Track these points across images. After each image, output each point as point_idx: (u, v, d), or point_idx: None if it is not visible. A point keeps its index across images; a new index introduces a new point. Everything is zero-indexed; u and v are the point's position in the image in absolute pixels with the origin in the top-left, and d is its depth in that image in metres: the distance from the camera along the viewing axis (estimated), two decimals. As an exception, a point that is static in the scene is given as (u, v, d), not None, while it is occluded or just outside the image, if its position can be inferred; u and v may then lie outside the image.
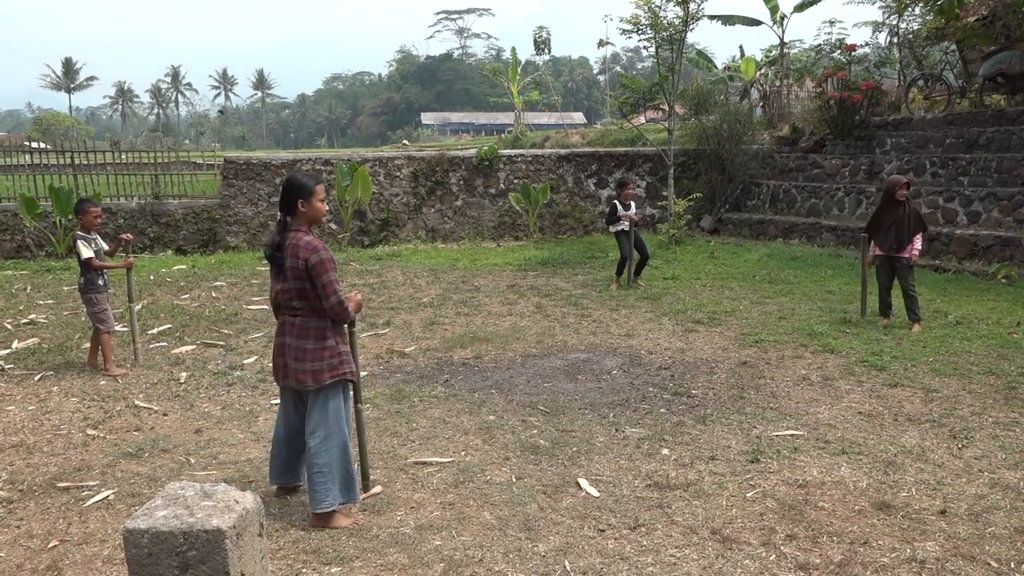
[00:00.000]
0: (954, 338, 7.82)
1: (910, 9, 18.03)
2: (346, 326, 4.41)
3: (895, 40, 19.68)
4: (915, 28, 18.85)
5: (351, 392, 4.44)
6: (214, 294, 10.73)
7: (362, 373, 6.53)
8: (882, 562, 3.70)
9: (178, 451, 5.28)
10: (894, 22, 19.48)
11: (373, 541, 4.00)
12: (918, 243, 8.37)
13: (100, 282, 7.25)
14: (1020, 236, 11.11)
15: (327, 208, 4.45)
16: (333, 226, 15.58)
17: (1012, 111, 14.10)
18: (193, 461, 5.11)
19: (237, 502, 3.13)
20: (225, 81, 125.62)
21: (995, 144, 13.32)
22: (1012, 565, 3.65)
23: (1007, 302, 9.29)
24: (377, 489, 4.58)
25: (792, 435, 5.35)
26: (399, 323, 8.97)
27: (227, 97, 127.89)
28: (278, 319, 4.36)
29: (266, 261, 4.34)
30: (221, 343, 8.16)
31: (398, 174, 16.22)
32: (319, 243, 4.17)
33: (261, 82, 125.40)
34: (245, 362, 7.45)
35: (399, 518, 4.25)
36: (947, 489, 4.46)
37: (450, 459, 5.03)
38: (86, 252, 7.10)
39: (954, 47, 16.77)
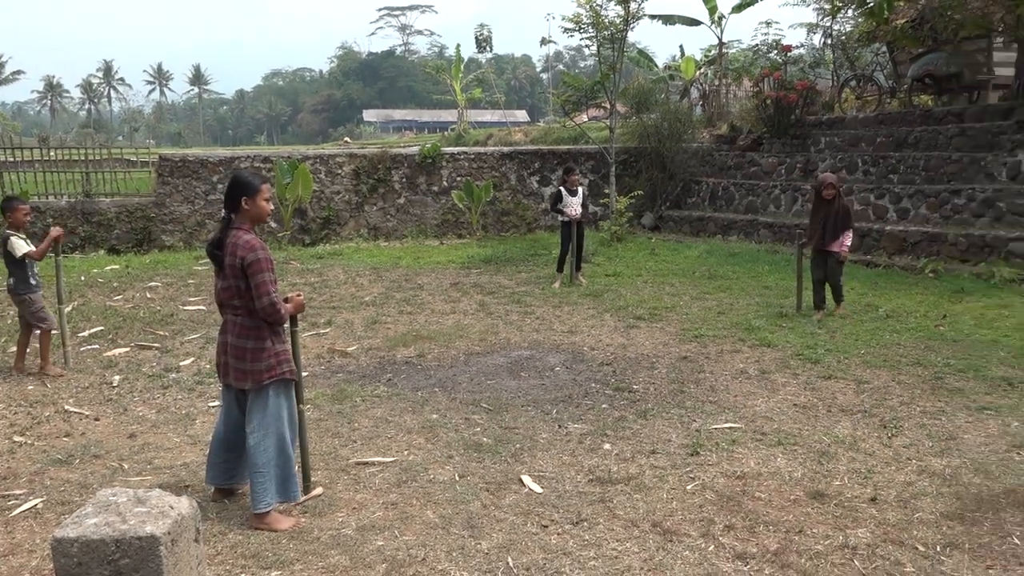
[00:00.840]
0: (884, 331, 8.07)
1: (843, 11, 18.51)
2: (288, 325, 4.37)
3: (829, 41, 20.17)
4: (848, 30, 19.35)
5: (293, 391, 4.37)
6: (149, 295, 10.46)
7: (303, 373, 6.44)
8: (816, 549, 3.80)
9: (111, 457, 5.13)
10: (828, 24, 19.97)
11: (314, 543, 3.95)
12: (847, 240, 8.69)
13: (32, 281, 7.00)
14: (946, 232, 11.51)
15: (272, 208, 4.39)
16: (273, 224, 15.32)
17: (939, 111, 14.61)
18: (127, 467, 4.97)
19: (172, 507, 3.06)
20: (160, 76, 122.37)
21: (923, 143, 13.78)
22: (938, 548, 3.79)
23: (934, 296, 9.62)
24: (318, 491, 4.52)
25: (730, 428, 5.46)
26: (341, 322, 8.87)
27: (162, 93, 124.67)
28: (222, 317, 4.31)
29: (208, 259, 4.27)
30: (156, 345, 7.96)
31: (339, 172, 16.04)
32: (258, 242, 4.12)
33: (198, 78, 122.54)
34: (181, 364, 7.29)
35: (341, 519, 4.21)
36: (877, 477, 4.60)
37: (392, 459, 5.00)
38: (23, 247, 6.86)
39: (884, 49, 17.30)
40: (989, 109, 13.71)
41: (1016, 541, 3.83)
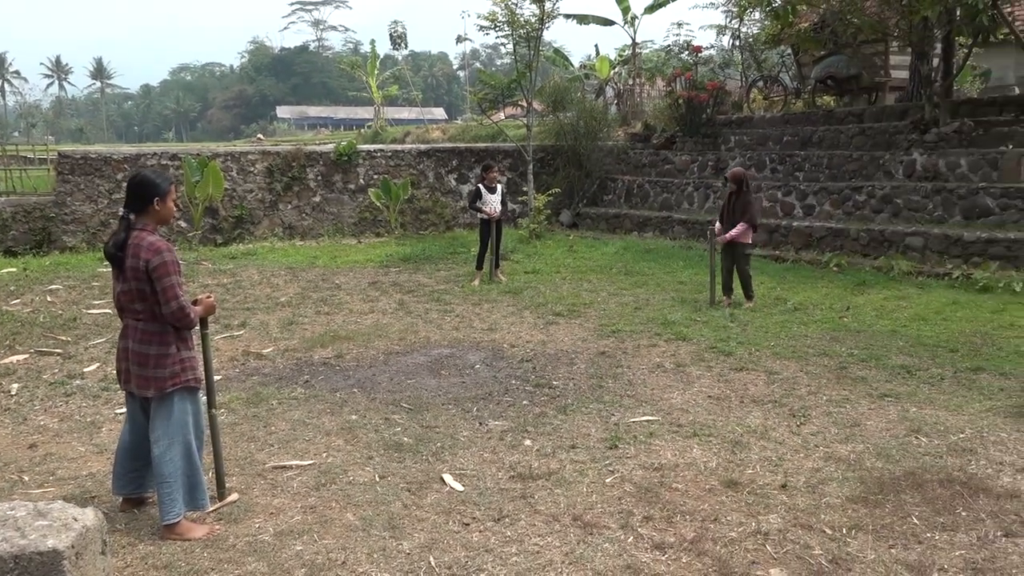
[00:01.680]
0: (793, 323, 8.37)
1: (749, 14, 19.10)
2: (199, 328, 4.23)
3: (737, 43, 20.81)
4: (754, 33, 20.00)
5: (201, 397, 4.24)
6: (49, 298, 9.97)
7: (216, 377, 6.26)
8: (730, 536, 3.91)
9: (9, 469, 4.88)
10: (736, 26, 20.60)
11: (230, 551, 3.84)
12: (735, 230, 9.11)
13: None
14: (849, 227, 12.02)
15: (176, 210, 4.24)
16: (183, 224, 14.84)
17: (840, 111, 15.24)
18: (27, 479, 4.73)
19: (76, 519, 2.93)
20: (59, 70, 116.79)
21: (826, 142, 14.35)
22: (844, 531, 3.95)
23: (839, 288, 10.03)
24: (233, 497, 4.40)
25: (648, 420, 5.57)
26: (255, 324, 8.66)
27: (61, 87, 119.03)
28: (122, 321, 4.13)
29: (107, 261, 4.09)
30: (58, 351, 7.61)
31: (252, 169, 15.65)
32: (163, 244, 3.97)
33: (100, 71, 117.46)
34: (85, 370, 6.98)
35: (258, 525, 4.11)
36: (787, 464, 4.77)
37: (311, 461, 4.91)
38: None
39: (789, 51, 17.93)
40: (887, 110, 14.39)
41: (915, 521, 4.03)
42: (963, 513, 4.10)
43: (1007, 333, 7.69)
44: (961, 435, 5.16)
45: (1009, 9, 13.56)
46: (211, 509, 4.25)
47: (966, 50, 13.26)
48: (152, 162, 14.92)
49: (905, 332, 7.87)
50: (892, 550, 3.76)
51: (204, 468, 4.24)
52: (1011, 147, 11.57)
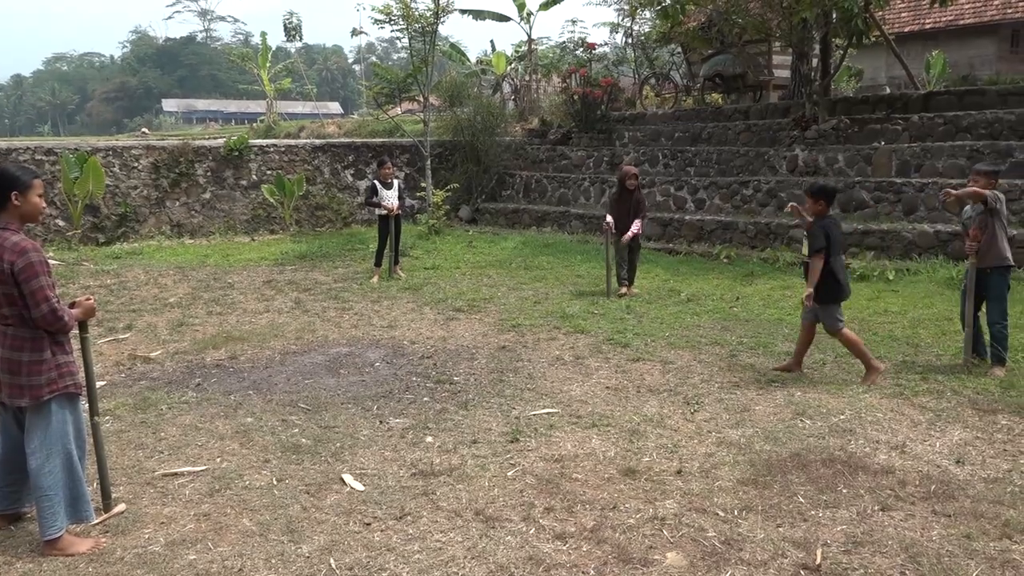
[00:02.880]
0: (686, 314, 8.63)
1: (640, 13, 19.56)
2: (77, 331, 4.01)
3: (629, 41, 21.28)
4: (646, 31, 20.49)
5: (80, 404, 4.00)
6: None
7: (100, 383, 5.98)
8: (629, 523, 4.00)
9: None
10: (628, 24, 21.05)
11: (117, 564, 3.67)
12: (635, 226, 9.59)
13: None
14: (738, 221, 12.49)
15: (45, 205, 3.98)
16: (60, 223, 14.05)
17: (728, 108, 15.81)
18: None
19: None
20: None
21: (715, 138, 14.85)
22: (736, 512, 4.11)
23: (729, 279, 10.41)
24: (120, 507, 4.21)
25: (548, 413, 5.63)
26: (142, 326, 8.30)
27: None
28: None
29: None
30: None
31: (136, 165, 14.95)
32: (29, 244, 3.72)
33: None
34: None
35: (147, 536, 3.94)
36: (682, 451, 4.92)
37: (204, 467, 4.75)
38: None
39: (679, 49, 18.48)
40: (770, 107, 15.02)
41: (801, 500, 4.23)
42: (844, 490, 4.33)
43: (881, 319, 8.16)
44: (841, 416, 5.45)
45: (881, 13, 14.38)
46: (96, 521, 4.05)
47: (842, 51, 14.00)
48: (24, 157, 14.04)
49: (791, 320, 8.23)
50: (780, 528, 3.93)
51: (88, 479, 4.03)
52: (883, 143, 12.28)
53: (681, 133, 15.46)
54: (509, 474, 4.61)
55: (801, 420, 5.41)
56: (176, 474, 4.66)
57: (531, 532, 3.93)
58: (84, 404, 4.09)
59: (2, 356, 3.78)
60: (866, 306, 8.70)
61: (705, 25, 15.80)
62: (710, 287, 10.00)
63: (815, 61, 14.08)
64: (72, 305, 3.98)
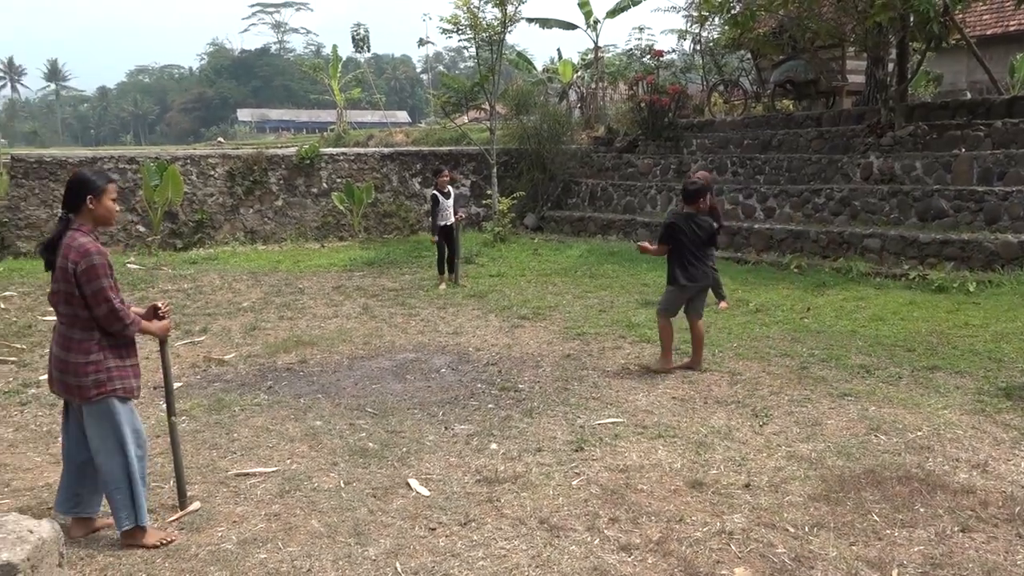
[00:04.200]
0: (754, 324, 8.47)
1: (710, 19, 19.33)
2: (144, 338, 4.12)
3: (698, 48, 21.04)
4: (715, 37, 20.24)
5: (132, 408, 4.02)
6: (3, 305, 9.73)
7: (177, 384, 6.17)
8: (695, 536, 3.94)
9: (-38, 481, 4.75)
10: (696, 31, 20.82)
11: (192, 561, 3.78)
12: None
13: None
14: (809, 229, 12.21)
15: (119, 210, 4.12)
16: (142, 229, 14.60)
17: (799, 115, 15.49)
18: (-20, 490, 4.62)
19: (31, 532, 2.86)
20: (11, 71, 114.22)
21: (786, 145, 14.56)
22: (807, 529, 4.01)
23: (799, 290, 10.18)
24: (195, 505, 4.33)
25: (613, 423, 5.59)
26: (217, 329, 8.54)
27: (14, 89, 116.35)
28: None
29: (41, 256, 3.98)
30: (13, 359, 7.43)
31: (212, 173, 15.44)
32: (93, 246, 3.80)
33: (55, 73, 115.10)
34: (41, 379, 6.80)
35: (220, 534, 4.05)
36: (751, 464, 4.83)
37: (274, 468, 4.86)
38: None
39: (749, 55, 18.18)
40: (844, 114, 14.65)
41: (875, 518, 4.10)
42: (921, 509, 4.19)
43: (962, 332, 7.87)
44: (919, 433, 5.27)
45: (961, 16, 13.90)
46: (172, 518, 4.18)
47: (920, 55, 13.57)
48: (109, 166, 14.65)
49: (864, 332, 8.00)
50: (853, 547, 3.82)
51: (164, 477, 4.16)
52: (964, 150, 11.84)
53: (750, 140, 15.20)
54: (574, 483, 4.59)
55: (876, 436, 5.25)
56: (248, 474, 4.78)
57: (596, 542, 3.91)
58: (160, 406, 4.23)
59: (55, 354, 3.90)
60: (945, 319, 8.40)
61: (776, 31, 15.51)
62: (779, 297, 9.80)
63: (891, 66, 13.68)
64: (153, 310, 4.12)
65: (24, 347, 7.86)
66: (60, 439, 4.19)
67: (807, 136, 14.28)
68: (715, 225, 7.17)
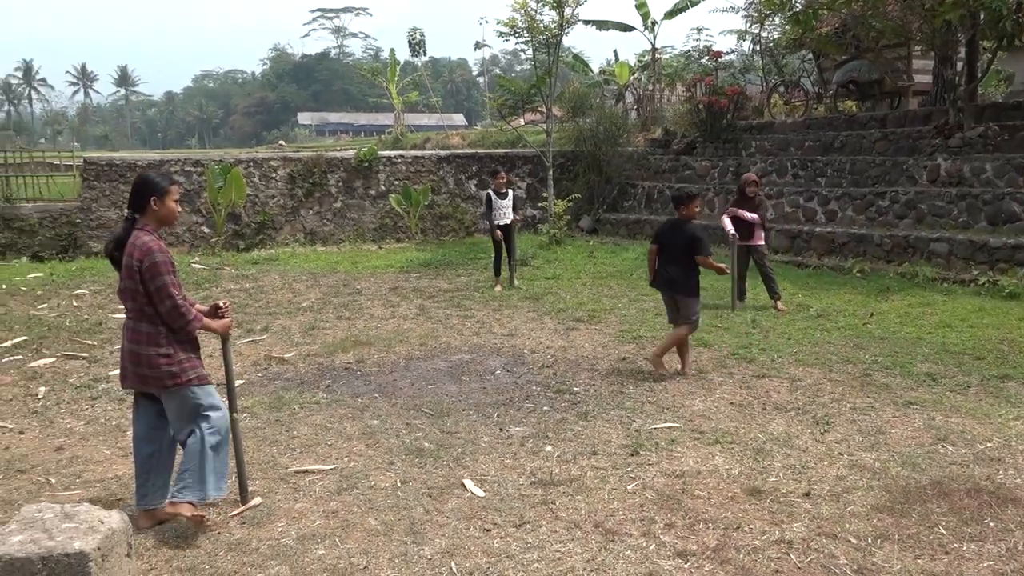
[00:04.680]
0: (815, 330, 8.30)
1: (770, 19, 19.02)
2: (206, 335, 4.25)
3: (757, 48, 20.71)
4: (775, 37, 19.89)
5: (213, 394, 4.19)
6: (75, 303, 10.10)
7: (238, 381, 6.31)
8: (753, 545, 3.88)
9: (36, 471, 4.94)
10: (756, 31, 20.50)
11: (253, 555, 3.87)
12: (759, 235, 9.41)
13: None
14: (872, 233, 11.92)
15: (179, 212, 4.27)
16: (206, 230, 14.99)
17: (863, 116, 15.13)
18: (54, 481, 4.79)
19: (102, 522, 2.96)
20: (84, 77, 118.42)
21: (848, 147, 14.24)
22: (870, 540, 3.91)
23: (862, 295, 9.94)
24: (256, 500, 4.43)
25: (669, 427, 5.54)
26: (277, 328, 8.71)
27: (87, 94, 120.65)
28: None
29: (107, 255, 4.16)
30: (84, 355, 7.70)
31: (274, 175, 15.77)
32: (156, 244, 3.97)
33: (124, 79, 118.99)
34: (111, 374, 7.05)
35: (280, 529, 4.13)
36: (811, 472, 4.73)
37: (333, 466, 4.93)
38: None
39: (811, 56, 17.84)
40: (909, 114, 14.26)
41: (942, 531, 3.98)
42: (991, 523, 4.05)
43: (1034, 340, 7.59)
44: (988, 444, 5.10)
45: (1035, 13, 13.40)
46: (234, 513, 4.28)
47: (990, 54, 13.14)
48: (175, 168, 15.08)
49: (930, 339, 7.78)
50: (919, 560, 3.71)
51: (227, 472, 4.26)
52: (1037, 152, 11.42)
53: (812, 142, 14.90)
54: (629, 487, 4.56)
55: (943, 446, 5.10)
56: (307, 471, 4.86)
57: (651, 548, 3.87)
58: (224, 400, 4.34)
59: (126, 348, 4.06)
60: (1017, 326, 8.11)
61: (839, 30, 15.18)
62: (841, 302, 9.58)
63: (960, 65, 13.28)
64: (214, 309, 4.24)
65: (95, 343, 8.14)
66: (130, 433, 4.32)
67: (871, 137, 13.94)
68: (696, 238, 6.72)
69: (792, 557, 3.76)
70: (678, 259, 6.78)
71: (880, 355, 7.26)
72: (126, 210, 4.14)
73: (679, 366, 6.94)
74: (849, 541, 3.90)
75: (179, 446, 4.16)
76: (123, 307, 4.13)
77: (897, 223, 12.15)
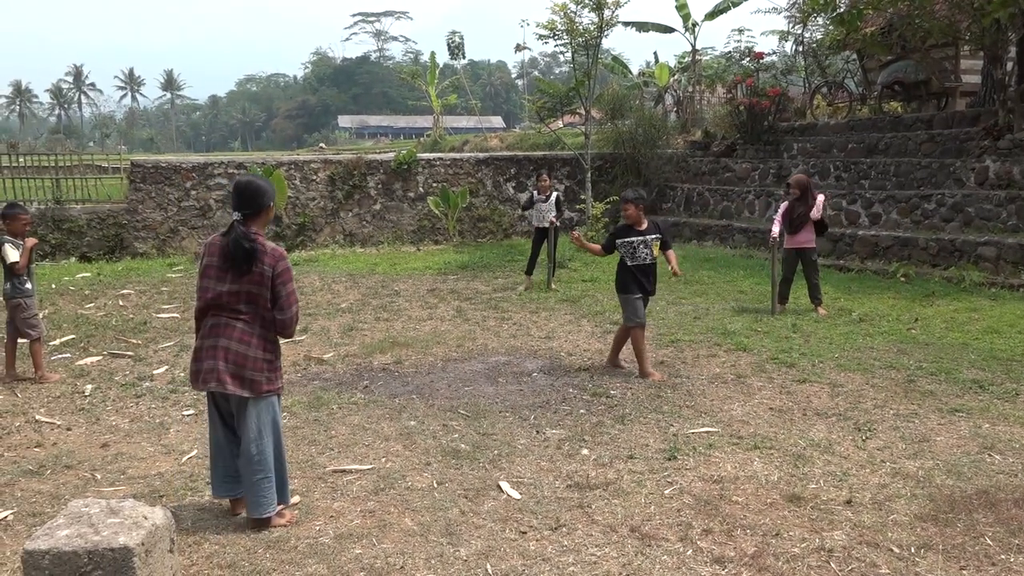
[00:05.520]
0: (857, 335, 8.16)
1: (813, 19, 18.75)
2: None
3: (800, 49, 20.42)
4: (818, 38, 19.61)
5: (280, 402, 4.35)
6: (121, 303, 10.33)
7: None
8: (793, 552, 3.83)
9: (83, 467, 5.06)
10: (799, 32, 20.22)
11: (291, 552, 3.91)
12: (801, 236, 9.25)
13: (28, 286, 6.95)
14: (917, 236, 11.68)
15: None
16: (247, 231, 15.21)
17: (908, 118, 14.83)
18: (99, 477, 4.90)
19: (146, 518, 3.02)
20: (132, 82, 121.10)
21: (893, 149, 13.98)
22: (912, 550, 3.83)
23: (906, 299, 9.75)
24: (295, 499, 4.48)
25: (707, 432, 5.49)
26: (317, 329, 8.81)
27: (134, 98, 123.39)
28: (205, 321, 4.12)
29: (228, 258, 4.03)
30: (129, 353, 7.86)
31: (314, 178, 15.96)
32: (283, 251, 4.15)
33: (170, 83, 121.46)
34: (155, 372, 7.20)
35: (318, 528, 4.18)
36: (852, 480, 4.65)
37: (370, 466, 4.97)
38: (13, 255, 6.81)
39: (855, 56, 17.55)
40: (957, 116, 13.95)
41: (989, 542, 3.89)
42: (1040, 534, 3.94)
43: (1087, 347, 7.37)
44: (1037, 453, 4.96)
45: (1089, 10, 13.03)
46: (287, 506, 4.35)
47: (1043, 53, 12.79)
48: (219, 171, 15.34)
49: (977, 345, 7.60)
50: (964, 572, 3.63)
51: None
52: (1091, 154, 11.11)
53: (855, 144, 14.66)
54: (666, 492, 4.53)
55: (989, 454, 4.98)
56: (345, 471, 4.91)
57: (688, 553, 3.84)
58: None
59: (230, 348, 4.05)
60: (1068, 333, 7.89)
61: (885, 30, 14.90)
62: (885, 307, 9.41)
63: (1010, 65, 12.95)
64: None
65: (140, 342, 8.31)
66: (208, 432, 4.38)
67: (917, 139, 13.67)
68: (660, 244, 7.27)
69: (832, 566, 3.70)
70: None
71: (924, 361, 7.11)
72: (235, 213, 4.05)
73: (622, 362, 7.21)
74: (891, 550, 3.83)
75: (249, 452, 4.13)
76: (220, 307, 4.05)
77: (943, 226, 11.89)
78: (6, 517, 4.34)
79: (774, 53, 24.35)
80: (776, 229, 9.16)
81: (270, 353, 4.14)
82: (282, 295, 4.06)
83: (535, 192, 11.29)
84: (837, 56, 19.82)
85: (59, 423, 5.90)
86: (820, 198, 9.19)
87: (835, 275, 11.53)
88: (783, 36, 22.37)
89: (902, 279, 10.89)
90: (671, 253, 7.44)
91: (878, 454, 5.04)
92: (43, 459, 5.17)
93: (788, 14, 20.93)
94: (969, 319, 8.65)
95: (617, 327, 8.72)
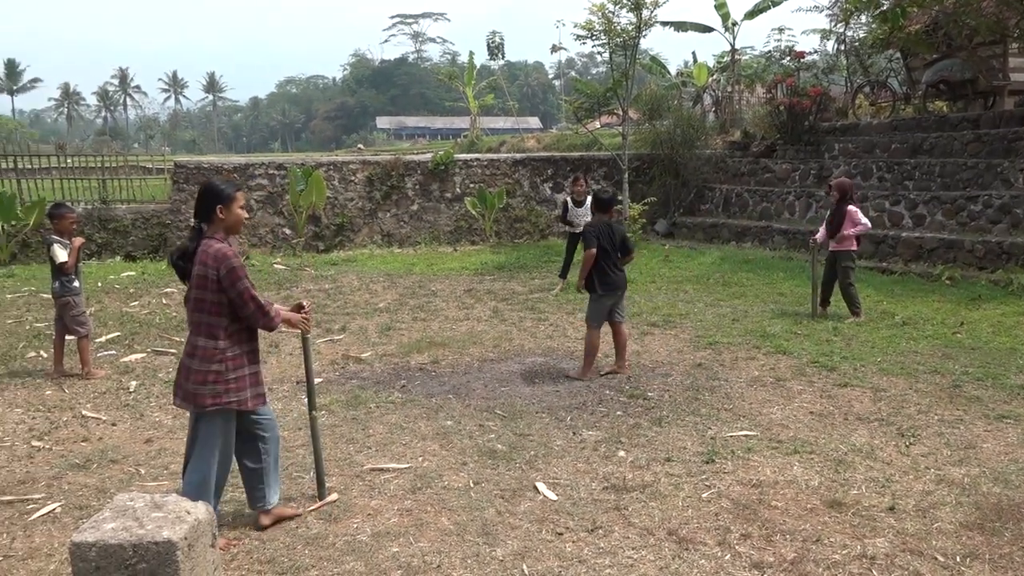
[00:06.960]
0: (901, 338, 8.01)
1: (856, 17, 18.45)
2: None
3: (842, 47, 20.11)
4: (861, 36, 19.28)
5: (233, 424, 4.05)
6: (165, 301, 10.52)
7: (317, 380, 6.47)
8: (834, 559, 3.77)
9: (127, 462, 5.16)
10: (841, 30, 19.91)
11: (329, 549, 3.95)
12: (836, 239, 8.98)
13: (76, 284, 7.13)
14: (963, 239, 11.43)
15: (246, 216, 4.24)
16: (287, 231, 15.40)
17: (954, 117, 14.52)
18: (143, 472, 5.00)
19: (189, 513, 3.07)
20: (175, 84, 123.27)
21: (938, 149, 13.69)
22: (958, 559, 3.75)
23: (951, 303, 9.55)
24: (333, 497, 4.53)
25: (746, 435, 5.43)
26: (355, 329, 8.89)
27: (177, 100, 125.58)
28: None
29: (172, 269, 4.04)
30: (172, 351, 8.00)
31: (353, 178, 16.10)
32: (230, 251, 3.91)
33: (212, 85, 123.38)
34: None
35: (356, 525, 4.21)
36: (895, 486, 4.57)
37: (407, 465, 5.00)
38: (62, 255, 6.99)
39: (898, 55, 17.22)
40: (1005, 115, 13.62)
41: (1037, 551, 3.79)
42: (1091, 545, 3.84)
43: None
44: (1089, 462, 4.83)
45: None
46: (312, 508, 4.39)
47: (1095, 51, 12.46)
48: (260, 171, 15.54)
49: (1025, 350, 7.42)
50: (1011, 581, 3.55)
51: (306, 468, 4.36)
52: None
53: (899, 144, 14.39)
54: (704, 495, 4.49)
55: (1038, 462, 4.85)
56: (382, 469, 4.95)
57: (726, 558, 3.80)
58: (302, 400, 4.43)
59: (183, 360, 3.98)
60: (1121, 338, 7.67)
61: (929, 28, 14.61)
62: (929, 310, 9.22)
63: (1062, 63, 12.61)
64: (298, 309, 4.29)
65: (182, 340, 8.44)
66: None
67: (963, 139, 13.38)
68: (627, 237, 7.11)
69: (875, 573, 3.64)
70: (617, 260, 6.96)
71: (970, 366, 6.96)
72: (192, 220, 4.05)
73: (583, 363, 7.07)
74: (936, 559, 3.76)
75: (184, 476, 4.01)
76: (187, 317, 4.05)
77: (990, 228, 11.62)
78: (54, 509, 4.44)
79: (815, 52, 23.97)
80: (822, 232, 9.01)
81: (219, 364, 3.88)
82: (232, 296, 3.86)
83: (569, 199, 11.25)
84: (880, 55, 19.46)
85: (105, 418, 6.03)
86: (855, 214, 8.82)
87: (878, 278, 11.33)
88: (825, 35, 22.01)
89: (947, 282, 10.66)
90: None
91: (922, 460, 4.94)
92: (89, 453, 5.29)
93: (830, 12, 20.59)
94: (1017, 323, 8.44)
95: (654, 329, 8.68)
